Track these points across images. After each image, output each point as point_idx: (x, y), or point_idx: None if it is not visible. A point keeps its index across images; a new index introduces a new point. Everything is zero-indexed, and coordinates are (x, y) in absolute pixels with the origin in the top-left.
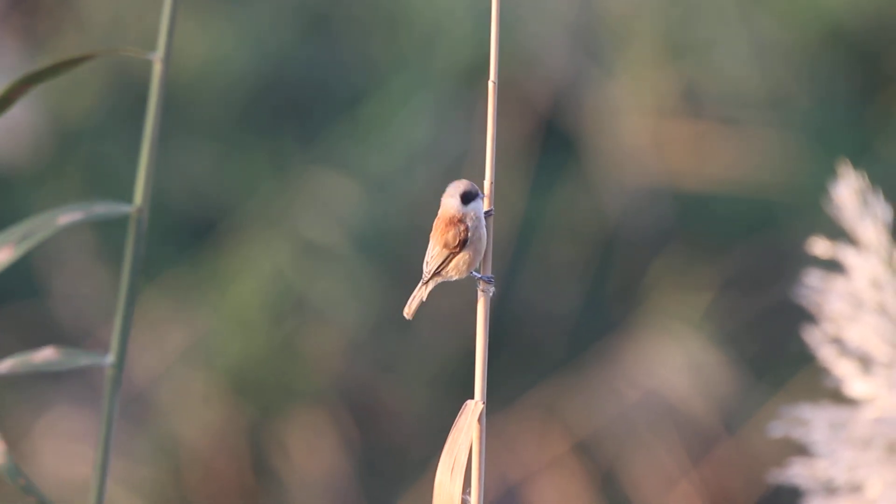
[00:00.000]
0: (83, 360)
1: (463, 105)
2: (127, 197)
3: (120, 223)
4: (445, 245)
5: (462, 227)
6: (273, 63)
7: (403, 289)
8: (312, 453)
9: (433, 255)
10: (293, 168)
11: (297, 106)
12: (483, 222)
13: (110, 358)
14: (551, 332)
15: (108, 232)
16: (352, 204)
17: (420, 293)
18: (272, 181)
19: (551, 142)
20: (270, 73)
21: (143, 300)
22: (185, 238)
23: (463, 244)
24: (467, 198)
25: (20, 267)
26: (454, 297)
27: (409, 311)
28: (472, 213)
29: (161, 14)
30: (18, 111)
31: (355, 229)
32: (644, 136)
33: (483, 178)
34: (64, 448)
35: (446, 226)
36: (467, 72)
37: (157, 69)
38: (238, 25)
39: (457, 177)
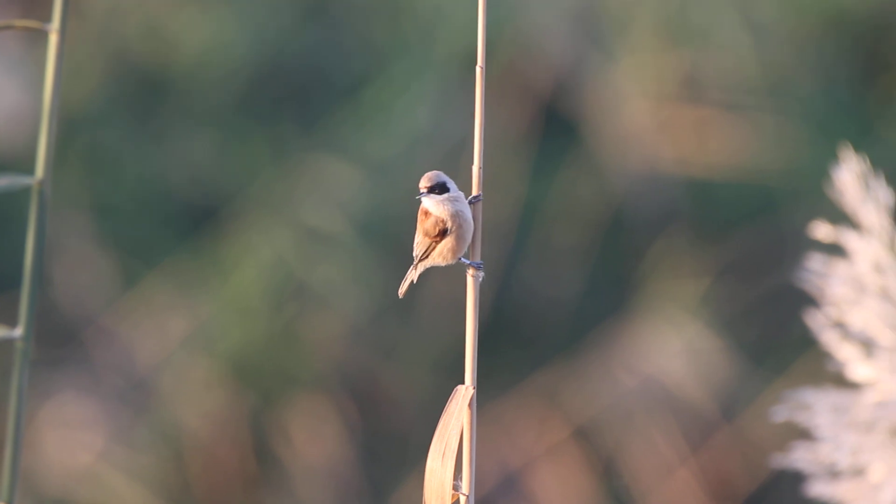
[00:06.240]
0: None
1: (464, 90)
2: (129, 183)
3: (121, 211)
4: (426, 234)
5: (440, 218)
6: (273, 49)
7: (404, 275)
8: (314, 439)
9: (417, 241)
10: (294, 154)
11: (297, 92)
12: (467, 212)
13: (19, 331)
14: (551, 318)
15: (109, 219)
16: (352, 190)
17: (411, 276)
18: (273, 167)
19: (553, 127)
20: (271, 58)
21: (144, 287)
22: (186, 225)
23: (443, 233)
24: (433, 189)
25: (21, 254)
26: (455, 284)
27: (401, 291)
28: (445, 210)
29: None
30: (19, 97)
31: (356, 215)
32: (645, 122)
33: (481, 163)
34: (67, 436)
35: (424, 215)
36: (469, 57)
37: (54, 40)
38: (238, 11)
39: (457, 162)
